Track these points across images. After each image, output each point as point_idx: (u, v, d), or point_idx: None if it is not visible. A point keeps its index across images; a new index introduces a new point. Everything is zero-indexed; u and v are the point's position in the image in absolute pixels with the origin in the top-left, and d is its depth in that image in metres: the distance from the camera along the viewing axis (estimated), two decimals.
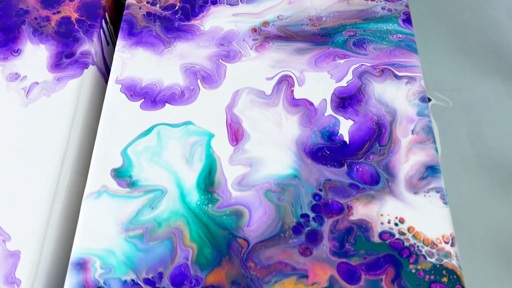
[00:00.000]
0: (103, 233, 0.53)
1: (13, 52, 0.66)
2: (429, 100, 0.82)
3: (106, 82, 0.69)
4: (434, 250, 0.51)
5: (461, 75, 0.82)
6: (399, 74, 0.63)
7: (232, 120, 0.60)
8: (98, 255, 0.51)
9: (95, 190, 0.55)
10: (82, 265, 0.51)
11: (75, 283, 0.50)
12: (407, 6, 0.69)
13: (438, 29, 0.89)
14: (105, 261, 0.51)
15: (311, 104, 0.61)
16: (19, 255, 0.51)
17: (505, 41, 0.85)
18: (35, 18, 0.68)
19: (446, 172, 0.73)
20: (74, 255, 0.52)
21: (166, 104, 0.61)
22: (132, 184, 0.55)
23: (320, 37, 0.67)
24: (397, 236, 0.52)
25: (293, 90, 0.62)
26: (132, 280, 0.50)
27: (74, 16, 0.69)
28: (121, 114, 0.60)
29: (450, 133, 0.79)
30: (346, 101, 0.61)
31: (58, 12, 0.69)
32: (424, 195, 0.55)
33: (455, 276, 0.50)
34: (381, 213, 0.54)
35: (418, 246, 0.52)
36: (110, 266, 0.51)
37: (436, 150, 0.58)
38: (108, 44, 0.72)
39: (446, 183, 0.66)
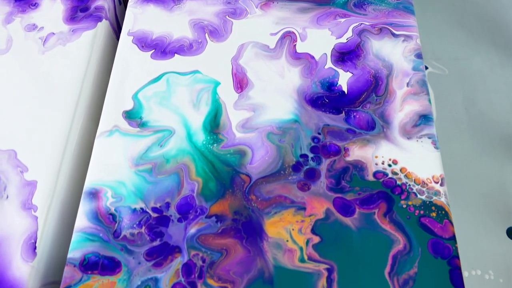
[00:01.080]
0: (115, 167, 0.56)
1: (30, 6, 0.69)
2: (426, 68, 0.85)
3: (118, 38, 0.72)
4: (424, 189, 0.55)
5: (457, 45, 0.86)
6: (397, 32, 0.67)
7: (237, 70, 0.63)
8: (110, 185, 0.55)
9: (107, 129, 0.59)
10: (94, 194, 0.54)
11: (88, 210, 0.54)
12: None
13: (436, 2, 0.92)
14: (116, 191, 0.55)
15: (312, 57, 0.64)
16: (35, 185, 0.55)
17: (500, 15, 0.89)
18: None
19: (440, 133, 0.76)
20: (87, 185, 0.55)
21: (175, 54, 0.65)
22: (142, 125, 0.59)
23: None
24: (390, 175, 0.56)
25: (295, 45, 0.65)
26: (141, 208, 0.54)
27: None
28: (132, 62, 0.64)
29: (446, 99, 0.82)
30: (345, 55, 0.64)
31: None
32: (417, 140, 0.58)
33: (443, 212, 0.53)
34: (376, 155, 0.57)
35: (409, 185, 0.55)
36: (121, 196, 0.54)
37: (429, 101, 0.61)
38: (120, 3, 0.75)
39: (440, 143, 0.70)
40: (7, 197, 0.54)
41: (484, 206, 0.73)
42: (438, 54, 0.85)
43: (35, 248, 0.51)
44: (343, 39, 0.66)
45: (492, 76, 0.82)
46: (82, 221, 0.53)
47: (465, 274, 0.67)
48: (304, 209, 0.54)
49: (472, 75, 0.83)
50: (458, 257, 0.51)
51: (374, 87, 0.62)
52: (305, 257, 0.51)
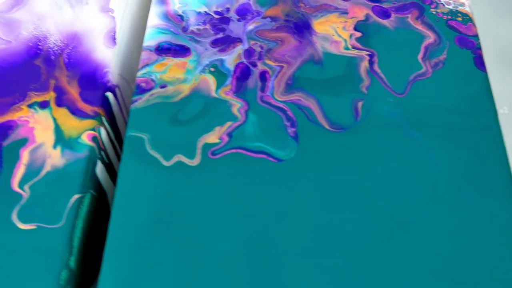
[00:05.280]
0: None
1: None
2: None
3: None
4: (451, 1, 0.63)
5: None
6: None
7: None
8: None
9: None
10: (163, 1, 0.62)
11: (158, 12, 0.61)
12: None
13: None
14: None
15: None
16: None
17: None
18: None
19: None
20: None
21: None
22: None
23: None
24: None
25: None
26: (205, 12, 0.62)
27: None
28: None
29: None
30: None
31: None
32: None
33: (467, 17, 0.61)
34: None
35: None
36: (186, 2, 0.62)
37: None
38: None
39: None
40: (87, 3, 0.62)
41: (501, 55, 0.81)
42: None
43: (114, 38, 0.59)
44: None
45: None
46: (154, 19, 0.61)
47: None
48: (347, 13, 0.62)
49: None
50: (481, 49, 0.59)
51: None
52: (349, 46, 0.59)
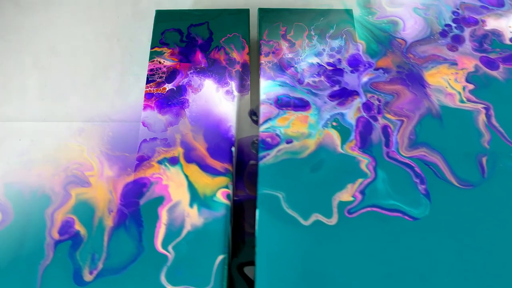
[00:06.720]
0: None
1: None
2: None
3: None
4: None
5: None
6: None
7: None
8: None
9: None
10: (275, 52, 0.63)
11: (271, 64, 0.62)
12: None
13: None
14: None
15: None
16: None
17: None
18: None
19: None
20: None
21: None
22: None
23: None
24: None
25: None
26: (317, 63, 0.62)
27: None
28: None
29: None
30: None
31: None
32: None
33: None
34: (509, 25, 0.66)
35: None
36: (297, 53, 0.63)
37: None
38: None
39: None
40: None
41: None
42: None
43: (232, 92, 0.60)
44: None
45: None
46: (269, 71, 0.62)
47: None
48: (456, 64, 0.63)
49: None
50: None
51: None
52: (464, 99, 0.60)
